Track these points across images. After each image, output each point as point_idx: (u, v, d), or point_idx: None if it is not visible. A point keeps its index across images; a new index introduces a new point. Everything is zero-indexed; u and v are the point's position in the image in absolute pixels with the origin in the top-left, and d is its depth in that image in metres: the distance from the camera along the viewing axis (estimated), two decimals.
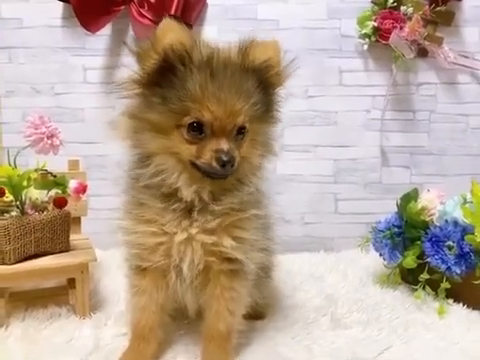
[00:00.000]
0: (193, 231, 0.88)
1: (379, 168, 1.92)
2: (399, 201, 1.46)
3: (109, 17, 1.75)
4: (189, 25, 1.69)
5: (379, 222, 1.48)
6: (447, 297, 1.30)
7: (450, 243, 1.29)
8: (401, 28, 1.77)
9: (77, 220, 1.41)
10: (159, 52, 0.81)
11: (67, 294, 1.22)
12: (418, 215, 1.39)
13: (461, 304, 1.29)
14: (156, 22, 1.76)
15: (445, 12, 1.80)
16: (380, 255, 1.46)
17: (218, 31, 1.82)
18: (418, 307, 1.28)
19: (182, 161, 0.85)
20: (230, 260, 0.92)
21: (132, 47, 0.84)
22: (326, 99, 1.88)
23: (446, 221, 1.34)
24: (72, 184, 1.23)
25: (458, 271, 1.26)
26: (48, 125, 1.18)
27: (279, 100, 0.93)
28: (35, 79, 1.82)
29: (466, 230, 1.29)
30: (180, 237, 0.88)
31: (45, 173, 1.22)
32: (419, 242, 1.36)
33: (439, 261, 1.28)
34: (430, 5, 1.78)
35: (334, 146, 1.90)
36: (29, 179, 1.17)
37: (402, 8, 1.78)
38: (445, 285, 1.28)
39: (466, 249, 1.26)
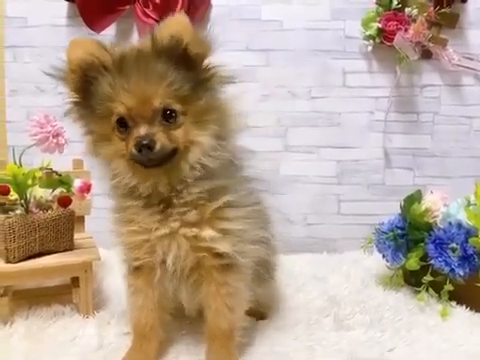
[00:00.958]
0: (174, 225, 0.89)
1: (382, 169, 1.92)
2: (402, 203, 1.46)
3: (114, 16, 1.76)
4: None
5: (382, 223, 1.48)
6: (450, 299, 1.29)
7: (454, 245, 1.29)
8: (405, 30, 1.77)
9: (81, 219, 1.42)
10: (74, 70, 0.86)
11: (71, 293, 1.22)
12: (422, 217, 1.39)
13: (464, 306, 1.28)
14: (160, 22, 1.77)
15: (449, 14, 1.79)
16: (383, 257, 1.46)
17: (222, 32, 1.82)
18: (421, 309, 1.28)
19: (128, 161, 0.88)
20: (220, 255, 0.91)
21: (53, 74, 0.89)
22: (330, 100, 1.88)
23: (450, 223, 1.34)
24: (77, 183, 1.23)
25: (461, 273, 1.25)
26: (53, 124, 1.18)
27: (218, 71, 0.87)
28: (40, 78, 1.81)
29: (470, 232, 1.28)
30: (160, 232, 0.89)
31: (50, 172, 1.23)
32: (422, 244, 1.36)
33: (442, 263, 1.28)
34: (435, 7, 1.77)
35: (337, 147, 1.90)
36: (34, 178, 1.17)
37: (406, 10, 1.78)
38: (448, 287, 1.27)
39: (470, 251, 1.26)
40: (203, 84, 0.86)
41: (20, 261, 1.14)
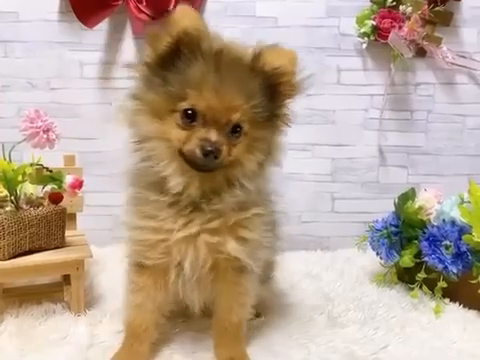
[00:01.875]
0: (193, 230, 0.87)
1: (376, 167, 1.92)
2: (396, 200, 1.46)
3: (106, 12, 1.74)
4: None
5: (376, 221, 1.48)
6: (444, 296, 1.30)
7: (447, 242, 1.29)
8: (400, 27, 1.77)
9: (73, 216, 1.40)
10: (173, 35, 0.81)
11: (62, 291, 1.21)
12: (415, 214, 1.39)
13: (458, 303, 1.29)
14: (154, 18, 1.76)
15: (444, 12, 1.80)
16: (377, 254, 1.46)
17: (216, 28, 1.81)
18: (415, 306, 1.28)
19: (172, 150, 0.84)
20: (237, 258, 0.91)
21: (148, 30, 0.84)
22: (324, 98, 1.87)
23: (443, 221, 1.34)
24: (68, 179, 1.21)
25: (455, 270, 1.26)
26: (44, 119, 1.16)
27: (287, 112, 0.91)
28: (31, 74, 1.80)
29: (463, 230, 1.29)
30: (179, 235, 0.87)
31: (40, 168, 1.21)
32: (416, 241, 1.36)
33: (436, 260, 1.28)
34: (429, 5, 1.77)
35: (332, 145, 1.90)
36: (24, 174, 1.15)
37: (401, 7, 1.78)
38: (442, 284, 1.28)
39: (463, 249, 1.26)
40: (274, 118, 0.89)
41: (10, 258, 1.12)
